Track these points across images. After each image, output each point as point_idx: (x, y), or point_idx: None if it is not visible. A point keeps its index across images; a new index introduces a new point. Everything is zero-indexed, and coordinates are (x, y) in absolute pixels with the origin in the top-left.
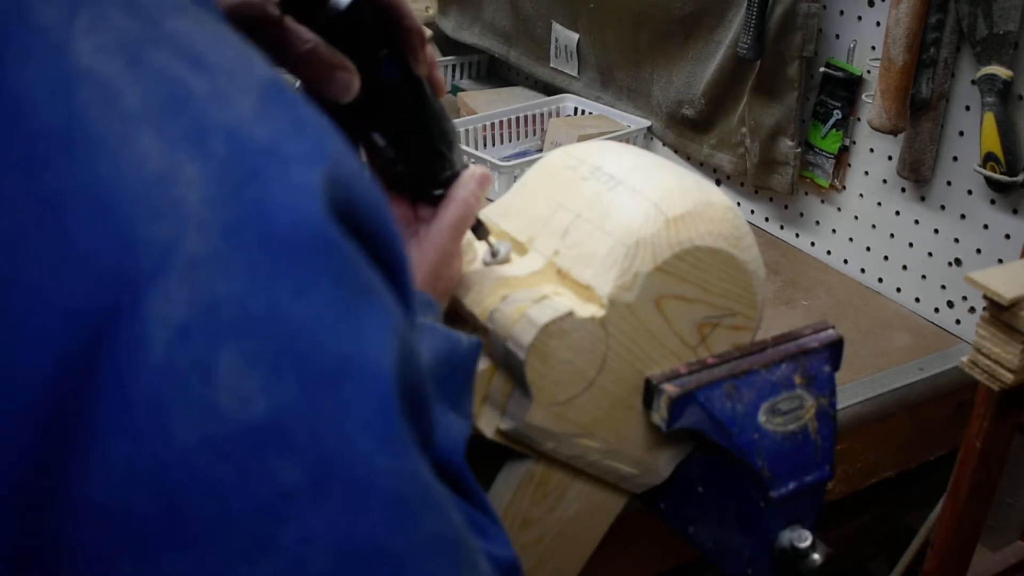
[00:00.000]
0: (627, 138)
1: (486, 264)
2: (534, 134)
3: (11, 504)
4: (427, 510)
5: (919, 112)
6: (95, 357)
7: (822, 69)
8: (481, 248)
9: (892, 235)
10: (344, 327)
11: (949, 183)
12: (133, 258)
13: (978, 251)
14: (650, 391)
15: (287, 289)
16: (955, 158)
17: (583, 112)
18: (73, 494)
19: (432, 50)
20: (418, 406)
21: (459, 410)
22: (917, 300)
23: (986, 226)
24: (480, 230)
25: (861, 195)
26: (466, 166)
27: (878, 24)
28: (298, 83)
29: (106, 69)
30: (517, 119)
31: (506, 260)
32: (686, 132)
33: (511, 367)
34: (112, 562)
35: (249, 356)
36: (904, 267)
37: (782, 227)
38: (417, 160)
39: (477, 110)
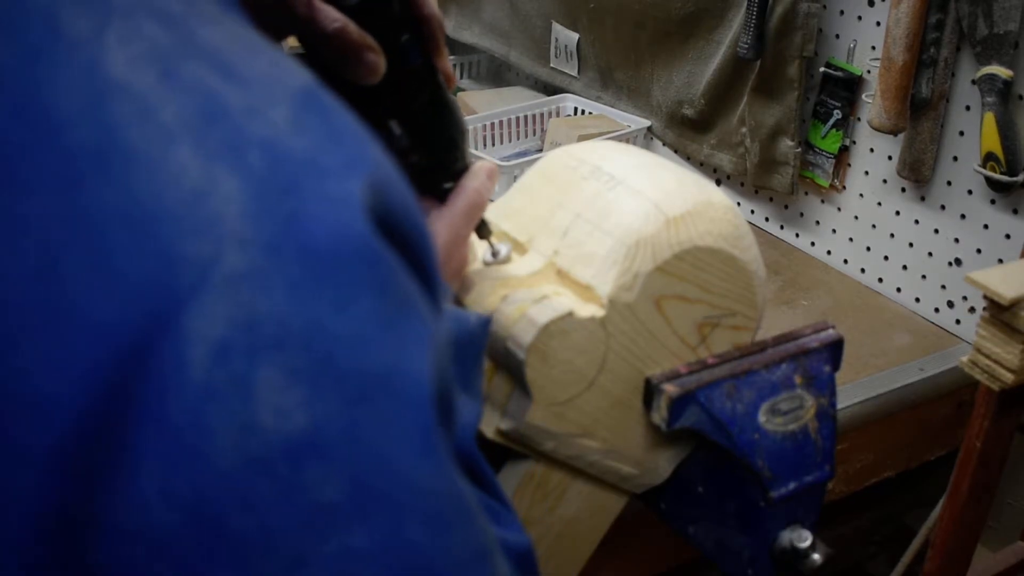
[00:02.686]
0: (627, 138)
1: (486, 264)
2: (534, 134)
3: (47, 528)
4: (462, 523)
5: (919, 112)
6: (132, 377)
7: (822, 69)
8: (481, 248)
9: (892, 235)
10: (385, 341)
11: (949, 183)
12: (172, 275)
13: (978, 251)
14: (650, 391)
15: (328, 304)
16: (955, 158)
17: (583, 112)
18: (110, 517)
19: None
20: (448, 409)
21: (470, 391)
22: (917, 300)
23: (986, 226)
24: (483, 229)
25: (861, 195)
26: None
27: (878, 24)
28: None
29: (139, 82)
30: (517, 119)
31: (506, 260)
32: (686, 132)
33: (511, 367)
34: None
35: (288, 371)
36: (904, 267)
37: (782, 227)
38: (432, 150)
39: (477, 110)
